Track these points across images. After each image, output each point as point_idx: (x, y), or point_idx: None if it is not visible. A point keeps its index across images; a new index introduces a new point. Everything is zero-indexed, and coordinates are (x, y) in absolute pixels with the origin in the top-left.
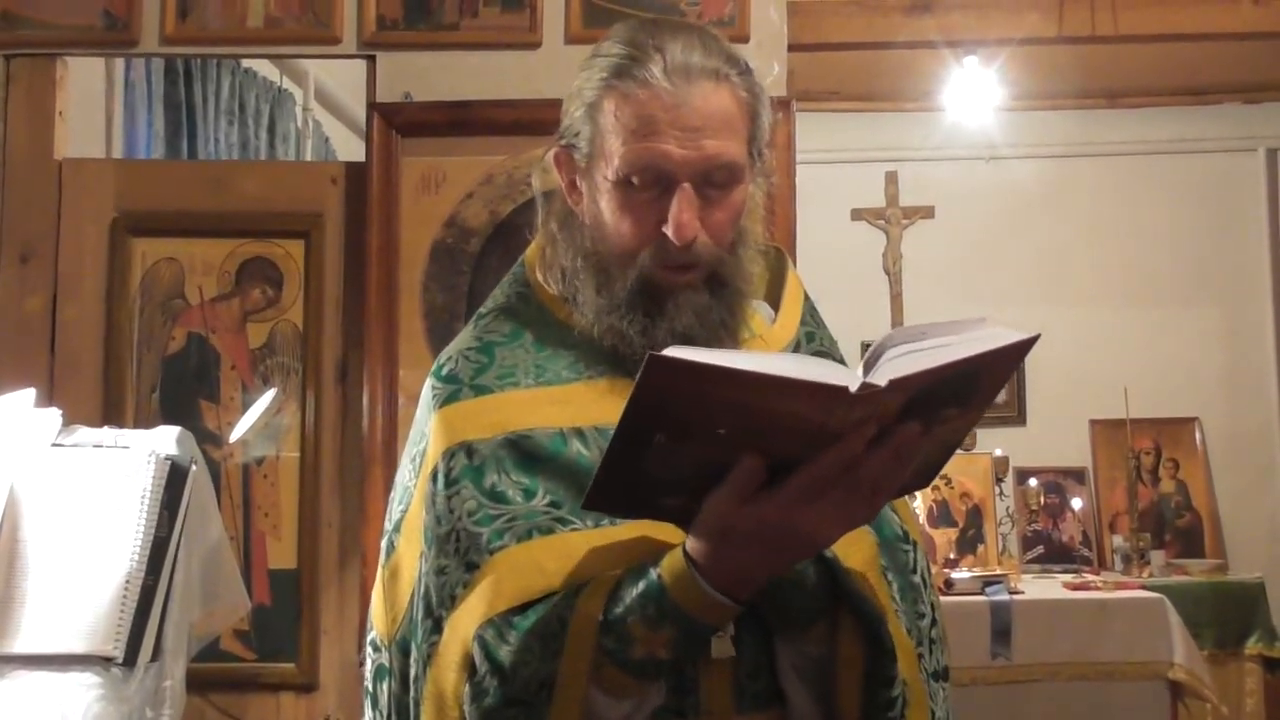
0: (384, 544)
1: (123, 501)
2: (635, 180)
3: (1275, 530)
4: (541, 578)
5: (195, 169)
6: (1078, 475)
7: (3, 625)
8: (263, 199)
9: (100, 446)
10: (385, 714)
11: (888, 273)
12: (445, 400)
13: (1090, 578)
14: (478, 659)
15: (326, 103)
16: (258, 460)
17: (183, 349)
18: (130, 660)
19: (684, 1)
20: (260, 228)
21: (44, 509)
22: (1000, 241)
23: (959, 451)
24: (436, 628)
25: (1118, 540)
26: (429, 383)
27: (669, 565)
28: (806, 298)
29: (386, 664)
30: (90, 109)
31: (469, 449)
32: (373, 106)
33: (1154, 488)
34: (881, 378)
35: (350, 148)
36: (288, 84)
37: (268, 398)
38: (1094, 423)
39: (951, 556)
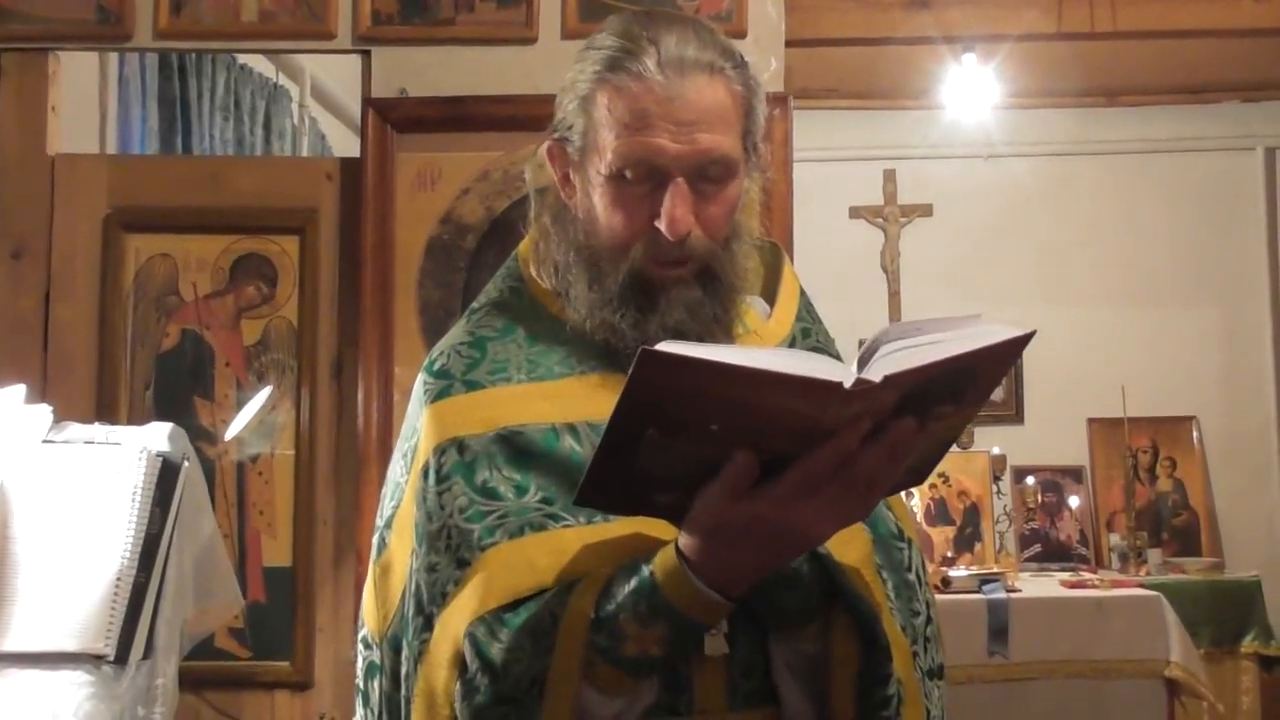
0: (375, 540)
1: (114, 498)
2: (628, 174)
3: (1272, 529)
4: (533, 574)
5: (189, 165)
6: (1075, 474)
7: None
8: (257, 195)
9: (91, 443)
10: (376, 712)
11: (886, 271)
12: (437, 395)
13: (1087, 576)
14: (469, 656)
15: (323, 99)
16: (252, 457)
17: (177, 346)
18: (122, 658)
19: None
20: (255, 224)
21: (34, 506)
22: (998, 240)
23: (956, 449)
24: (427, 625)
25: (1115, 539)
26: (421, 378)
27: (661, 562)
28: (802, 293)
29: (378, 661)
30: (84, 104)
31: (460, 445)
32: (368, 102)
33: (1151, 486)
34: (876, 373)
35: (347, 144)
36: (284, 80)
37: (262, 395)
38: (1091, 421)
39: (949, 554)
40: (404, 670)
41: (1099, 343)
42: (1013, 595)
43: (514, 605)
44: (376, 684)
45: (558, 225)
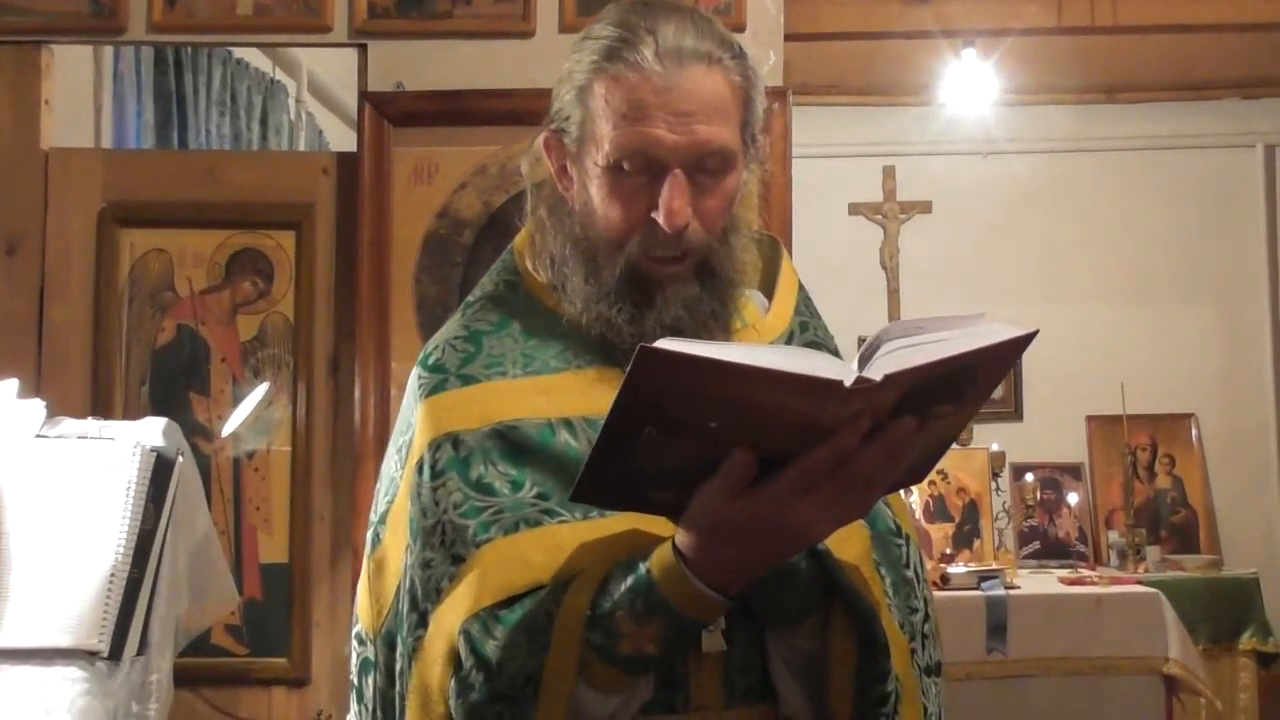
0: (369, 536)
1: (107, 493)
2: (625, 165)
3: (1270, 526)
4: (528, 571)
5: (184, 159)
6: (1074, 471)
7: None
8: (253, 190)
9: (85, 438)
10: (371, 708)
11: (885, 268)
12: (431, 390)
13: (1086, 573)
14: (463, 654)
15: (319, 94)
16: (248, 454)
17: (172, 341)
18: (116, 654)
19: None
20: (251, 219)
21: (28, 501)
22: (997, 236)
23: (955, 446)
24: (422, 621)
25: (1113, 536)
26: (415, 372)
27: (658, 559)
28: (801, 287)
29: (372, 657)
30: (78, 99)
31: (455, 440)
32: (364, 96)
33: (1150, 484)
34: (877, 372)
35: (344, 140)
36: (280, 75)
37: (259, 391)
38: (1090, 418)
39: (947, 551)
40: (398, 667)
41: (1098, 339)
42: (1011, 592)
43: (509, 602)
44: (371, 680)
45: (554, 217)
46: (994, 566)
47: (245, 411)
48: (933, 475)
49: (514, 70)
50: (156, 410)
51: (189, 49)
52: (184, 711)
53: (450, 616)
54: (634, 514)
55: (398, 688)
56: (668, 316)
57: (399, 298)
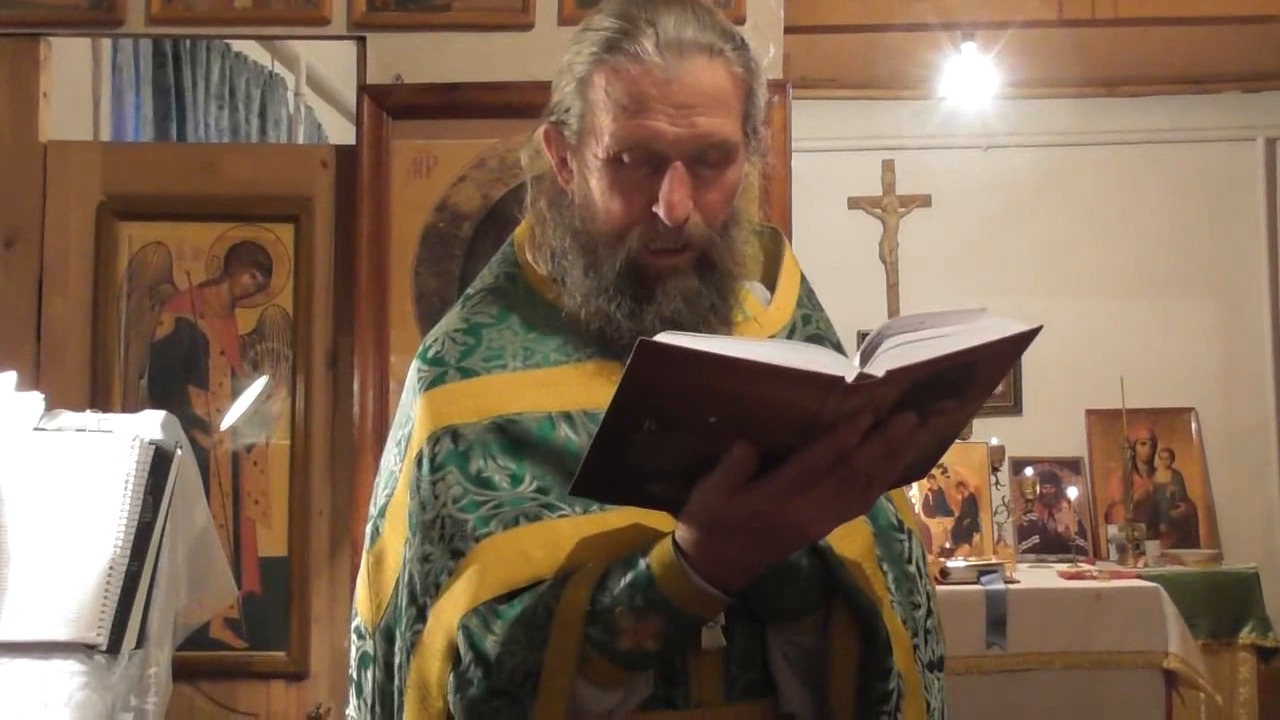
0: (369, 529)
1: (106, 486)
2: (626, 158)
3: (1270, 521)
4: (528, 566)
5: (183, 152)
6: (1073, 465)
7: None
8: (252, 183)
9: (83, 431)
10: (369, 702)
11: (884, 262)
12: (431, 383)
13: (1085, 567)
14: (462, 648)
15: (318, 87)
16: (247, 447)
17: (171, 334)
18: (114, 647)
19: None
20: (249, 212)
21: (26, 494)
22: (997, 230)
23: (955, 440)
24: (420, 616)
25: (1113, 530)
26: (415, 365)
27: (658, 555)
28: (803, 279)
29: (370, 651)
30: (76, 91)
31: (455, 433)
32: (363, 89)
33: (1149, 478)
34: (879, 368)
35: (342, 132)
36: (279, 69)
37: (257, 384)
38: (1090, 413)
39: (947, 545)
40: (397, 661)
41: (1098, 333)
42: (1011, 586)
43: (508, 597)
44: (369, 674)
45: (554, 210)
46: (993, 561)
47: (244, 405)
48: (932, 469)
49: (513, 63)
50: (155, 403)
51: (187, 42)
52: (182, 705)
53: (449, 611)
54: (634, 509)
55: (396, 682)
56: (667, 310)
57: (397, 291)
